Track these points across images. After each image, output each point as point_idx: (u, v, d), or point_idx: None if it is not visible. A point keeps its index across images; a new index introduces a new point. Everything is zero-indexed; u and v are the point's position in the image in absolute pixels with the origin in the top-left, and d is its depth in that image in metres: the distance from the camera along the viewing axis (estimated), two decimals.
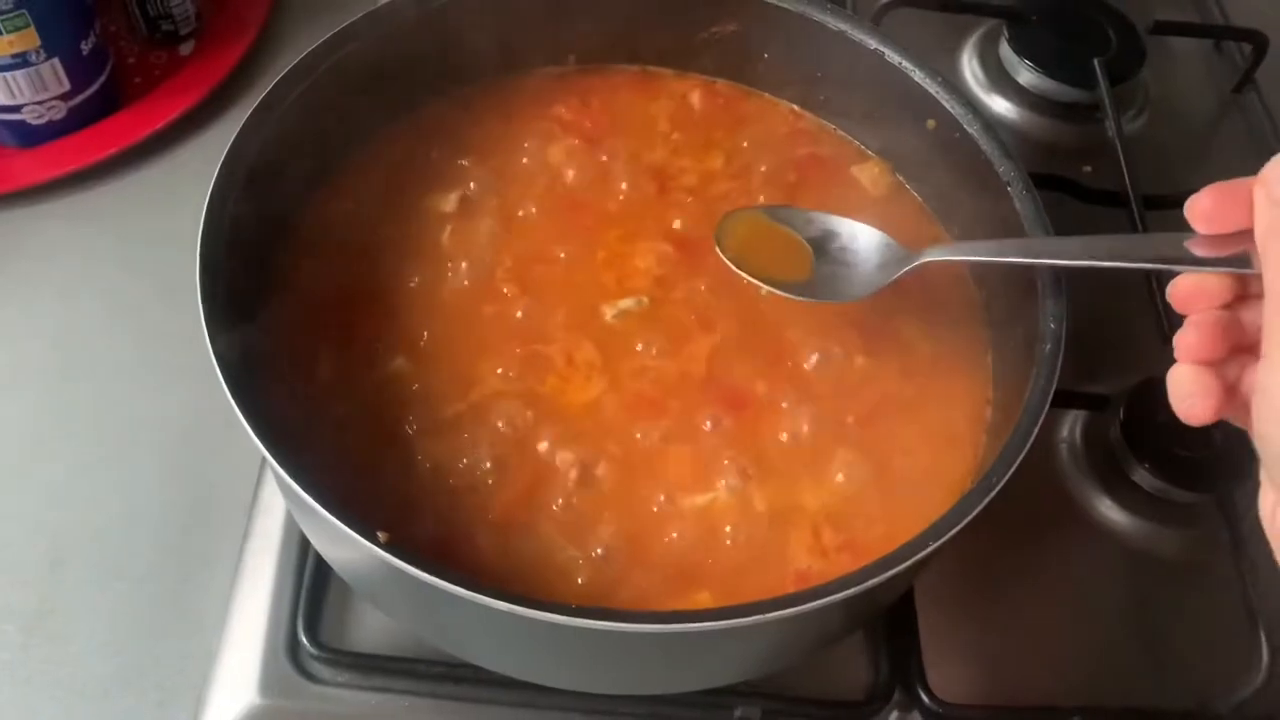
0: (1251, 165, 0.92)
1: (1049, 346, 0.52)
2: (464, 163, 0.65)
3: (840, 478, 0.55)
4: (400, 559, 0.42)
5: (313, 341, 0.57)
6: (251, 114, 0.56)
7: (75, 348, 0.72)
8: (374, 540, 0.43)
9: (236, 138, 0.55)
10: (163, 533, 0.64)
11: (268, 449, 0.45)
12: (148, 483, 0.66)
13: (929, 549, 0.45)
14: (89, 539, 0.64)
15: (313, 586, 0.60)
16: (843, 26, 0.64)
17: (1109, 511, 0.67)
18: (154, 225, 0.76)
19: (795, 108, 0.70)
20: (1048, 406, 0.49)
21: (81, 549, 0.64)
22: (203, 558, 0.63)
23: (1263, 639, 0.60)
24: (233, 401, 0.46)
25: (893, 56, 0.63)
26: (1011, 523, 0.59)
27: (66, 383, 0.70)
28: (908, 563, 0.44)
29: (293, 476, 0.44)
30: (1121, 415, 0.67)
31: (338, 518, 0.43)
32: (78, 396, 0.70)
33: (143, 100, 0.82)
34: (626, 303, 0.59)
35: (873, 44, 0.63)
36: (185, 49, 0.86)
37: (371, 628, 0.59)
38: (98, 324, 0.73)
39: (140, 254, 0.75)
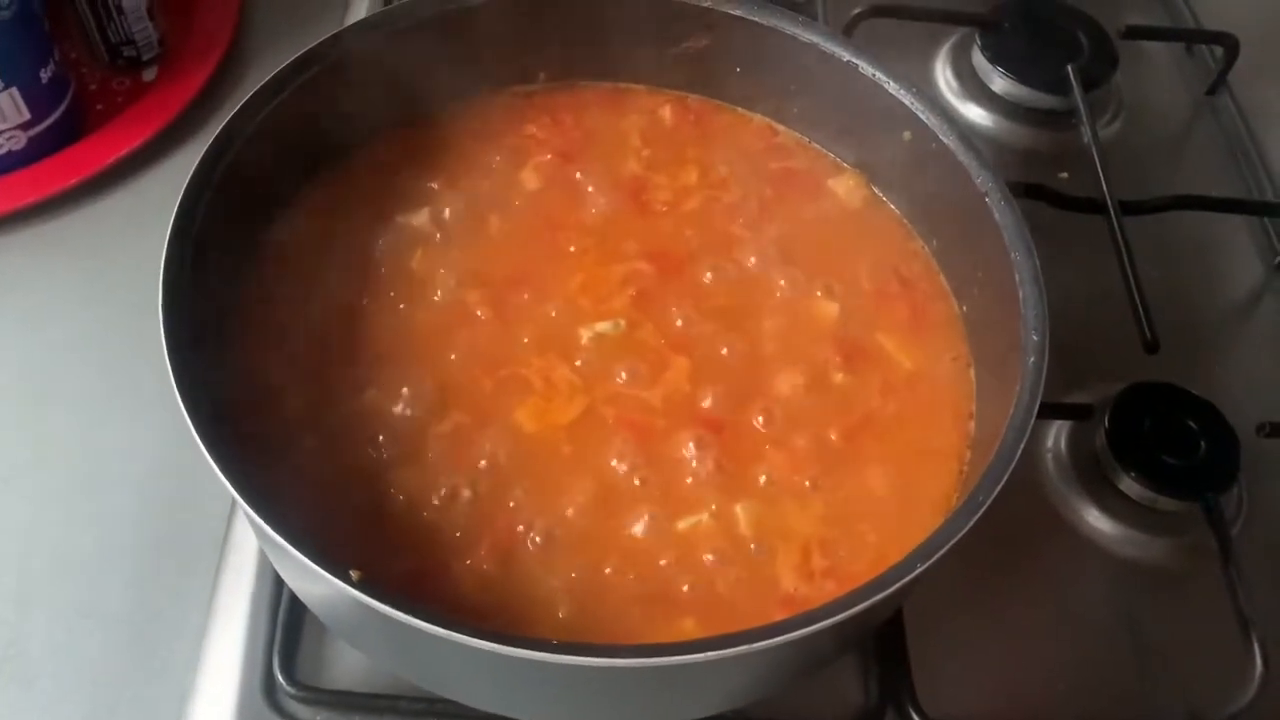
0: (1226, 167, 0.92)
1: (1032, 359, 0.51)
2: (434, 185, 0.64)
3: (824, 497, 0.54)
4: (374, 598, 0.41)
5: (281, 370, 0.56)
6: (214, 140, 0.55)
7: (41, 380, 0.70)
8: (346, 579, 0.42)
9: (200, 164, 0.54)
10: (133, 569, 0.63)
11: (234, 485, 0.44)
12: (117, 518, 0.64)
13: (918, 570, 0.44)
14: (57, 577, 0.62)
15: (288, 622, 0.58)
16: (815, 39, 0.64)
17: (1095, 521, 0.67)
18: (118, 255, 0.74)
19: (769, 122, 0.70)
20: (1032, 422, 0.48)
21: (49, 587, 0.62)
22: (174, 594, 0.62)
23: (1255, 649, 0.59)
24: (197, 437, 0.44)
25: (866, 69, 0.62)
26: (997, 535, 0.58)
27: (32, 416, 0.69)
28: (897, 585, 0.44)
29: (260, 514, 0.43)
30: (1106, 424, 0.66)
31: (308, 556, 0.42)
32: (44, 430, 0.68)
33: (105, 128, 0.80)
34: (603, 325, 0.58)
35: (846, 56, 0.63)
36: (148, 75, 0.85)
37: (350, 664, 0.58)
38: (63, 356, 0.71)
39: (105, 284, 0.74)
